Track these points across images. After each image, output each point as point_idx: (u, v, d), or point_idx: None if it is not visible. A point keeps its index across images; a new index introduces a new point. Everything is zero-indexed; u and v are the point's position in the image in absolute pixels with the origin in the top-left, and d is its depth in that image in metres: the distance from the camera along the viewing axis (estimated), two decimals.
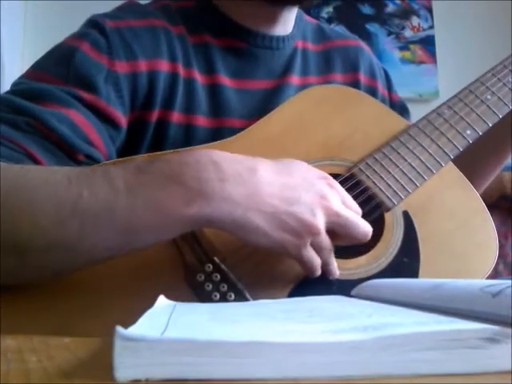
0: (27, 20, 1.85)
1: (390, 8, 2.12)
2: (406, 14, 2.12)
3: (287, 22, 0.72)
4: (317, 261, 0.50)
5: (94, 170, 0.47)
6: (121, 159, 0.60)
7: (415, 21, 2.11)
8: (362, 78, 0.77)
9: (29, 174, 0.47)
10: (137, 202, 0.44)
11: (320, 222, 0.48)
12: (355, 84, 0.76)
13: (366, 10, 2.11)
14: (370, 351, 0.22)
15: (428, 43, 2.09)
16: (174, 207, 0.44)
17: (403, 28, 2.11)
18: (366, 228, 0.52)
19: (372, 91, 0.77)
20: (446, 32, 2.08)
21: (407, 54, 2.08)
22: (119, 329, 0.22)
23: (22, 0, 1.85)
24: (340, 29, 2.04)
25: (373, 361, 0.23)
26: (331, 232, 0.50)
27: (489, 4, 2.07)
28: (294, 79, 0.72)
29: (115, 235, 0.45)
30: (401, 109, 0.80)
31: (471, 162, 0.67)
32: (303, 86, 0.72)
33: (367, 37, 2.06)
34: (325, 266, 0.52)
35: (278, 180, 0.48)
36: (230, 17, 0.69)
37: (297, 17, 0.74)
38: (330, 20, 2.06)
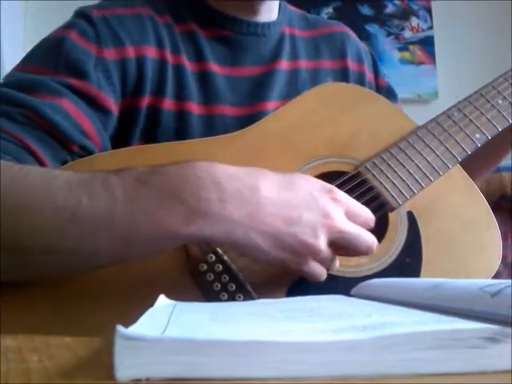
0: (27, 20, 1.86)
1: (390, 9, 2.12)
2: (405, 14, 2.12)
3: (271, 9, 0.72)
4: (320, 271, 0.50)
5: (94, 177, 0.47)
6: (114, 151, 0.60)
7: (414, 21, 2.11)
8: (350, 64, 0.77)
9: (28, 176, 0.47)
10: (135, 214, 0.44)
11: (321, 243, 0.47)
12: (344, 70, 0.76)
13: (366, 10, 2.11)
14: (369, 351, 0.23)
15: (427, 44, 2.09)
16: (173, 224, 0.44)
17: (402, 29, 2.11)
18: (369, 242, 0.51)
19: (360, 77, 0.77)
20: (445, 33, 2.08)
21: (406, 55, 2.08)
22: (120, 328, 0.22)
23: (22, 0, 1.85)
24: None
25: (373, 360, 0.23)
26: (335, 244, 0.50)
27: (489, 4, 2.08)
28: (284, 64, 0.72)
29: (114, 244, 0.45)
30: (387, 93, 0.80)
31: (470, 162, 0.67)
32: (294, 71, 0.72)
33: (366, 37, 2.06)
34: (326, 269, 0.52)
35: (279, 198, 0.48)
36: (214, 6, 0.70)
37: (281, 6, 0.74)
38: None
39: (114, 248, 0.45)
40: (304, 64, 0.74)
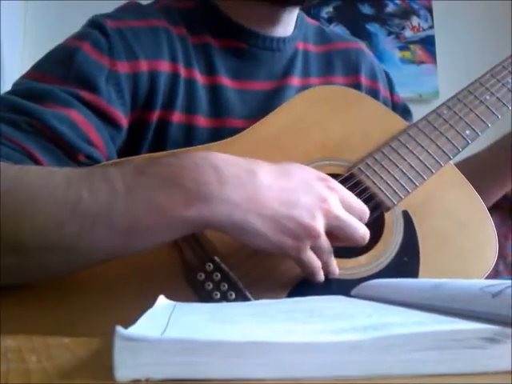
0: (27, 20, 1.85)
1: (390, 8, 2.12)
2: (405, 13, 2.12)
3: (288, 24, 0.72)
4: (317, 263, 0.50)
5: (92, 172, 0.47)
6: (118, 160, 0.60)
7: (415, 21, 2.11)
8: (363, 80, 0.77)
9: (28, 174, 0.47)
10: (136, 204, 0.44)
11: (319, 226, 0.48)
12: (356, 86, 0.76)
13: (366, 9, 2.11)
14: (369, 351, 0.22)
15: (428, 43, 2.09)
16: (173, 209, 0.44)
17: (403, 28, 2.11)
18: (363, 231, 0.52)
19: (373, 93, 0.77)
20: (445, 32, 2.08)
21: (407, 54, 2.08)
22: (119, 329, 0.22)
23: (22, 0, 1.85)
24: (340, 29, 2.04)
25: (373, 361, 0.23)
26: (330, 234, 0.50)
27: (489, 4, 2.07)
28: (295, 80, 0.72)
29: (114, 237, 0.45)
30: (403, 111, 0.80)
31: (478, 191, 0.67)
32: (304, 88, 0.71)
33: (367, 37, 2.06)
34: (325, 268, 0.52)
35: (277, 183, 0.48)
36: (231, 18, 0.69)
37: (298, 18, 0.74)
38: (329, 20, 2.06)
39: (115, 241, 0.45)
40: (315, 81, 0.74)
